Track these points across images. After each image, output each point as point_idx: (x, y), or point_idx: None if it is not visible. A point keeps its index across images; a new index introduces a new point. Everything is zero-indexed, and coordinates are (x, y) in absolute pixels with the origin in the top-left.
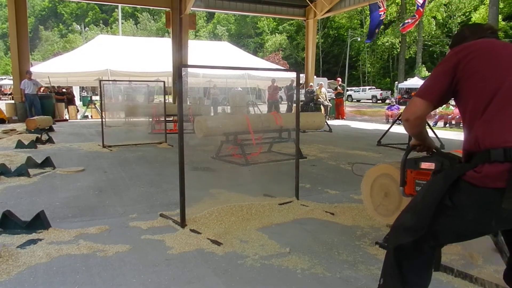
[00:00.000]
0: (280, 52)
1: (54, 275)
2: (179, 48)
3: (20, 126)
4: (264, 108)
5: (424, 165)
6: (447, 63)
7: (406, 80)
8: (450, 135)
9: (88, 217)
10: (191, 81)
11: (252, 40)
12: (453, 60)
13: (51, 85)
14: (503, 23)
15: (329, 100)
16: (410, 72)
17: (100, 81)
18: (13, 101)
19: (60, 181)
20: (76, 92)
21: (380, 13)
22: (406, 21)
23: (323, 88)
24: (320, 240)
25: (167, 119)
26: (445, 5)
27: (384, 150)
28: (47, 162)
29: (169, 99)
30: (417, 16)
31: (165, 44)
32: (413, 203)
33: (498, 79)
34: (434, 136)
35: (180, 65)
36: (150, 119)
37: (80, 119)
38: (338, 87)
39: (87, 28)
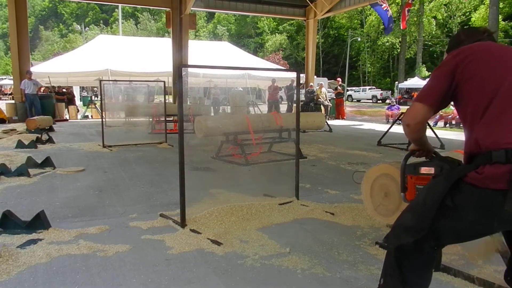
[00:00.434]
0: (280, 52)
1: (54, 275)
2: (179, 48)
3: (20, 126)
4: (264, 108)
5: (424, 170)
6: (445, 66)
7: (406, 80)
8: (450, 135)
9: (88, 217)
10: (191, 81)
11: (252, 40)
12: (451, 64)
13: (51, 85)
14: (503, 23)
15: (329, 100)
16: (410, 72)
17: (100, 81)
18: (13, 101)
19: (60, 181)
20: (76, 92)
21: (383, 9)
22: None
23: (323, 88)
24: (320, 240)
25: (167, 119)
26: (445, 5)
27: (384, 150)
28: (47, 162)
29: (169, 99)
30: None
31: (165, 44)
32: (414, 203)
33: (497, 81)
34: (434, 136)
35: (180, 65)
36: (150, 119)
37: (80, 119)
38: (338, 87)
39: (87, 28)
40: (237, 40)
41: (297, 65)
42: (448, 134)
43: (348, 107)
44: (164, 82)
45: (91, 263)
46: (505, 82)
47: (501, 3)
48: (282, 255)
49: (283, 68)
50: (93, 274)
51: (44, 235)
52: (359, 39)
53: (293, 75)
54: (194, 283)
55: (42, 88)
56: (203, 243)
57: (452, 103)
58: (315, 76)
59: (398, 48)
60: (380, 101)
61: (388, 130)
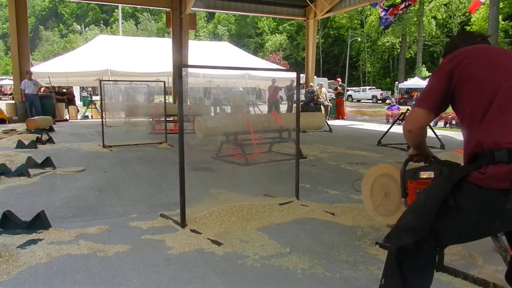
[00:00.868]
0: (280, 52)
1: (54, 275)
2: (179, 48)
3: (21, 126)
4: (264, 108)
5: (424, 174)
6: (442, 70)
7: (406, 80)
8: (450, 135)
9: (88, 217)
10: (191, 81)
11: (252, 40)
12: (448, 67)
13: (51, 85)
14: (503, 23)
15: (329, 100)
16: (410, 72)
17: (100, 81)
18: (13, 101)
19: (60, 181)
20: (76, 92)
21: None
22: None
23: (323, 88)
24: (320, 240)
25: (167, 119)
26: (445, 5)
27: (384, 150)
28: (47, 162)
29: (169, 99)
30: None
31: (165, 44)
32: (416, 203)
33: (495, 82)
34: (434, 136)
35: (180, 65)
36: (150, 119)
37: (80, 119)
38: (338, 87)
39: (87, 28)
40: (237, 40)
41: (297, 65)
42: (448, 134)
43: (348, 107)
44: (164, 82)
45: (91, 263)
46: (503, 84)
47: (501, 3)
48: (282, 255)
49: (283, 68)
50: (93, 274)
51: (44, 235)
52: (359, 39)
53: (293, 75)
54: (194, 283)
55: (42, 88)
56: (203, 243)
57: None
58: (315, 76)
59: (398, 48)
60: (380, 101)
61: (388, 130)
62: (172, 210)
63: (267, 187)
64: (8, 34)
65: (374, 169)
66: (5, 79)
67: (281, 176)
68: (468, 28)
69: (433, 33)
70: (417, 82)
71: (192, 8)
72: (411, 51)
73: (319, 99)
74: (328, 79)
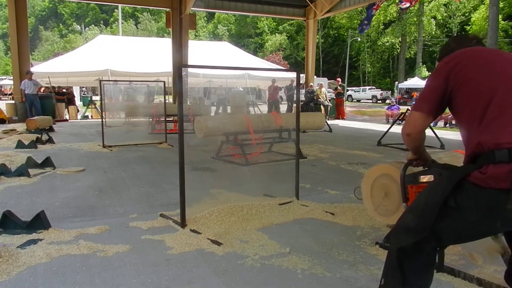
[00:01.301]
0: (280, 52)
1: (54, 275)
2: (179, 48)
3: (20, 126)
4: (264, 108)
5: (423, 178)
6: (439, 73)
7: (406, 80)
8: (450, 135)
9: (88, 217)
10: (191, 81)
11: (252, 40)
12: (444, 70)
13: (51, 85)
14: (503, 23)
15: (329, 100)
16: (410, 72)
17: (100, 81)
18: (13, 101)
19: (60, 181)
20: (76, 92)
21: (373, 10)
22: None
23: (323, 88)
24: (320, 240)
25: (167, 119)
26: (444, 5)
27: (384, 150)
28: (47, 162)
29: (169, 99)
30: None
31: (165, 44)
32: (416, 203)
33: (492, 83)
34: (434, 136)
35: (180, 65)
36: (150, 119)
37: (80, 119)
38: (338, 87)
39: (87, 28)
40: (237, 40)
41: (297, 65)
42: (448, 134)
43: (348, 107)
44: (164, 82)
45: (91, 263)
46: (500, 85)
47: (501, 3)
48: (282, 255)
49: (283, 68)
50: (93, 274)
51: (44, 235)
52: (359, 39)
53: (293, 75)
54: (194, 283)
55: (42, 88)
56: (203, 243)
57: None
58: (315, 76)
59: (398, 48)
60: (380, 101)
61: (388, 130)
62: (172, 210)
63: (267, 187)
64: (8, 34)
65: (374, 169)
66: (5, 79)
67: (281, 176)
68: (468, 28)
69: (433, 33)
70: (417, 82)
71: (192, 8)
72: (411, 51)
73: (319, 99)
74: (328, 79)
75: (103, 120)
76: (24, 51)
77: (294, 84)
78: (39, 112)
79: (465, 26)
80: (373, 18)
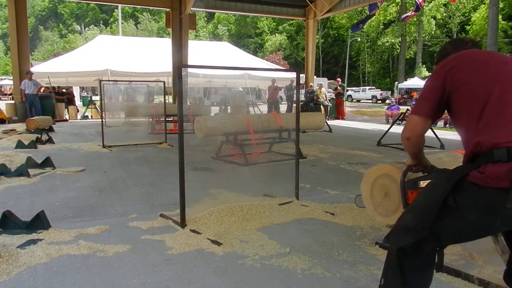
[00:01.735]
0: (280, 52)
1: (54, 275)
2: (179, 48)
3: (20, 126)
4: (264, 108)
5: (423, 183)
6: (436, 77)
7: (406, 80)
8: (450, 135)
9: (88, 217)
10: (191, 81)
11: (252, 40)
12: (441, 73)
13: (51, 85)
14: (503, 23)
15: (329, 100)
16: (410, 72)
17: (100, 81)
18: (13, 101)
19: (60, 181)
20: (76, 92)
21: (374, 12)
22: (406, 15)
23: (323, 88)
24: (320, 240)
25: (167, 119)
26: (444, 5)
27: (384, 150)
28: (47, 162)
29: (169, 99)
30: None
31: (165, 44)
32: (416, 203)
33: (488, 85)
34: (434, 136)
35: (180, 65)
36: (150, 119)
37: (80, 119)
38: (338, 87)
39: (87, 28)
40: (237, 40)
41: (297, 65)
42: (448, 134)
43: (348, 107)
44: (164, 82)
45: (91, 263)
46: (496, 86)
47: (501, 4)
48: (282, 255)
49: (283, 68)
50: (93, 274)
51: (44, 235)
52: (359, 39)
53: (293, 75)
54: (194, 283)
55: (42, 89)
56: (203, 243)
57: None
58: (315, 76)
59: (398, 48)
60: (380, 101)
61: (388, 130)
62: (172, 210)
63: (267, 187)
64: (8, 34)
65: (374, 169)
66: (5, 79)
67: (281, 176)
68: (468, 28)
69: (433, 33)
70: (417, 82)
71: (192, 8)
72: (411, 51)
73: (319, 99)
74: (328, 79)
75: (103, 120)
76: (24, 51)
77: (294, 84)
78: (39, 112)
79: (465, 26)
80: (373, 18)
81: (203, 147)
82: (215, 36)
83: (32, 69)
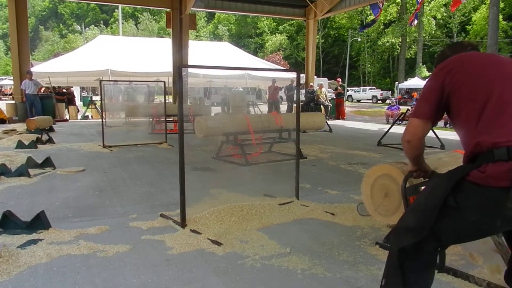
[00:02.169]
0: (280, 52)
1: (54, 275)
2: (179, 48)
3: (21, 126)
4: (264, 108)
5: None
6: (435, 79)
7: (406, 80)
8: (450, 135)
9: (88, 217)
10: (191, 81)
11: (252, 40)
12: (440, 76)
13: (52, 85)
14: (504, 23)
15: (329, 100)
16: (410, 72)
17: (100, 81)
18: (13, 101)
19: (60, 181)
20: (76, 92)
21: (378, 15)
22: (411, 20)
23: (323, 88)
24: (320, 240)
25: (167, 119)
26: (445, 5)
27: (384, 150)
28: (47, 162)
29: (169, 99)
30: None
31: (165, 44)
32: (416, 203)
33: (487, 85)
34: (434, 136)
35: (180, 65)
36: (151, 119)
37: (80, 119)
38: (338, 87)
39: (87, 28)
40: (237, 40)
41: (297, 65)
42: (448, 134)
43: (348, 107)
44: (164, 82)
45: (91, 263)
46: (495, 86)
47: (501, 4)
48: (282, 255)
49: (283, 68)
50: (93, 274)
51: (44, 235)
52: (359, 39)
53: (293, 75)
54: (194, 283)
55: (43, 89)
56: (203, 243)
57: None
58: (315, 76)
59: (398, 48)
60: (380, 101)
61: (388, 130)
62: (172, 210)
63: (267, 187)
64: (8, 34)
65: (374, 169)
66: (5, 79)
67: (281, 176)
68: (468, 28)
69: (433, 33)
70: (417, 82)
71: (192, 8)
72: (411, 51)
73: (319, 99)
74: (328, 79)
75: (103, 120)
76: (24, 51)
77: (294, 84)
78: (39, 112)
79: (465, 26)
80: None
81: (203, 147)
82: (215, 36)
83: (32, 69)
